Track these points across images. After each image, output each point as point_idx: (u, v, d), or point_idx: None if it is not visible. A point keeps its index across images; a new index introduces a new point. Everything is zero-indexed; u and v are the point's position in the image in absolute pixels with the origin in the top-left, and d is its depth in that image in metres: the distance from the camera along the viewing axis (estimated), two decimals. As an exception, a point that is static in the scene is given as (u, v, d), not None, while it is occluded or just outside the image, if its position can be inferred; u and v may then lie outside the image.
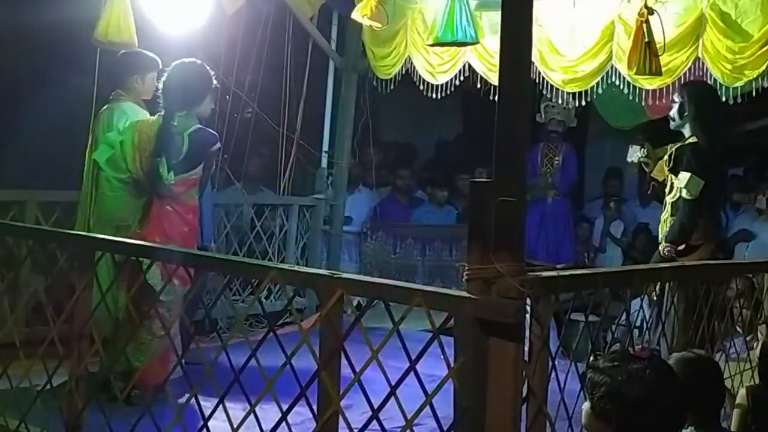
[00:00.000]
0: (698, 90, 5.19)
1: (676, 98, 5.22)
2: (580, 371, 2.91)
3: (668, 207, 5.21)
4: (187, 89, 4.85)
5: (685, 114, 5.16)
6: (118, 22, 5.49)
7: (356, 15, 5.88)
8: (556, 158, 7.94)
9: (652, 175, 5.50)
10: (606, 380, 2.42)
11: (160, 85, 4.93)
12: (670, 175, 5.21)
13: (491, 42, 6.01)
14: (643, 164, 5.56)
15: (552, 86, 5.98)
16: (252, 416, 2.96)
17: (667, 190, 5.26)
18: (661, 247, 5.14)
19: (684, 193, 5.04)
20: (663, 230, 5.24)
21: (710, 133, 5.09)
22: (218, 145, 5.04)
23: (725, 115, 5.44)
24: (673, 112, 5.23)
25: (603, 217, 8.40)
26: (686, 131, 5.19)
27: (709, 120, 5.11)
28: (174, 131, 4.81)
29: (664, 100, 5.57)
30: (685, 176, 5.03)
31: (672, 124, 5.29)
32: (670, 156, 5.19)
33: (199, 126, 4.94)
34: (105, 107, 5.20)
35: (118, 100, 5.17)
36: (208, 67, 5.02)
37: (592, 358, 2.61)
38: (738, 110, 5.61)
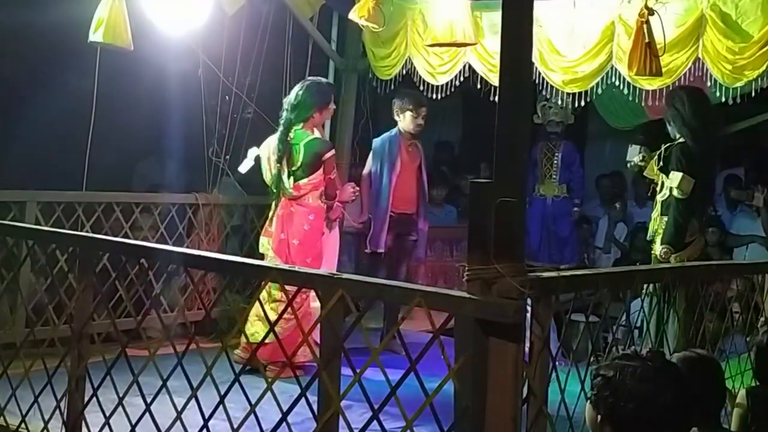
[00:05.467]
0: (679, 95, 5.29)
1: (667, 108, 5.36)
2: (580, 372, 2.91)
3: (658, 206, 5.33)
4: (300, 105, 5.55)
5: (672, 120, 5.31)
6: (114, 23, 5.50)
7: (353, 16, 5.86)
8: (555, 157, 7.91)
9: (645, 173, 5.58)
10: (601, 380, 2.42)
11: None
12: (660, 174, 5.32)
13: (491, 42, 6.00)
14: (640, 168, 5.63)
15: (552, 86, 5.97)
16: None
17: (658, 188, 5.37)
18: (658, 250, 5.17)
19: (676, 192, 5.15)
20: (653, 228, 5.36)
21: (696, 133, 5.20)
22: (332, 152, 5.64)
23: (716, 116, 5.55)
24: (667, 120, 5.39)
25: (607, 218, 8.38)
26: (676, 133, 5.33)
27: (693, 122, 5.21)
28: (291, 142, 5.51)
29: (664, 101, 5.59)
30: (676, 176, 5.14)
31: (669, 129, 5.40)
32: (659, 156, 5.32)
33: (314, 136, 5.57)
34: None
35: None
36: (324, 82, 5.76)
37: (594, 359, 2.60)
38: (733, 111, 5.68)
